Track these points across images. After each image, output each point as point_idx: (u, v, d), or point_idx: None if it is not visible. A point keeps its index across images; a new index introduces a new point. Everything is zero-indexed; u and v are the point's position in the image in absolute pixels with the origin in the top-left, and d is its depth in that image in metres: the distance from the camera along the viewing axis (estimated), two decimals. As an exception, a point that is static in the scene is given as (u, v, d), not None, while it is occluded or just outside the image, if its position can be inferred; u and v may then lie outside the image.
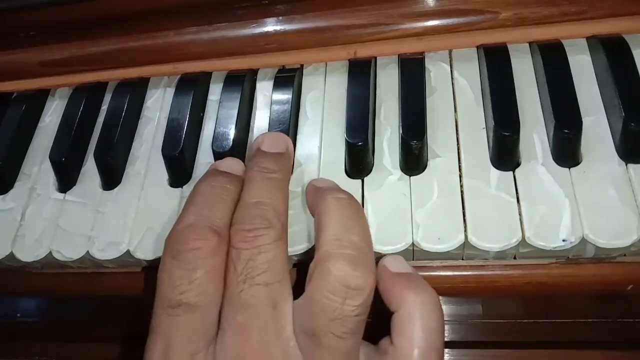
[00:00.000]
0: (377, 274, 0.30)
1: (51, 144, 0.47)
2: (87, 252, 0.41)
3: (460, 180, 0.38)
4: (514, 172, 0.37)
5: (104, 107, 0.49)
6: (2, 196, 0.46)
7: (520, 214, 0.35)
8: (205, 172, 0.36)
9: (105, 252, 0.41)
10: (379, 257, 0.37)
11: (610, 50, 0.40)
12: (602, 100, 0.39)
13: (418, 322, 0.28)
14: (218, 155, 0.42)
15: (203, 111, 0.47)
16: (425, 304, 0.28)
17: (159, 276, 0.29)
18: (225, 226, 0.30)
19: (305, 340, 0.27)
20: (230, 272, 0.28)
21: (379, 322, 0.29)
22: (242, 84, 0.46)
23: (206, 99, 0.47)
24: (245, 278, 0.27)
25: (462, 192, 0.37)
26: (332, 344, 0.26)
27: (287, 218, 0.31)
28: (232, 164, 0.36)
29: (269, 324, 0.27)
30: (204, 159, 0.44)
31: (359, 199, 0.38)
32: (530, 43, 0.43)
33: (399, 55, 0.45)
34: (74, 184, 0.45)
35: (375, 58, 0.46)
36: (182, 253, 0.28)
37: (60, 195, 0.45)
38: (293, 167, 0.41)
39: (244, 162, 0.42)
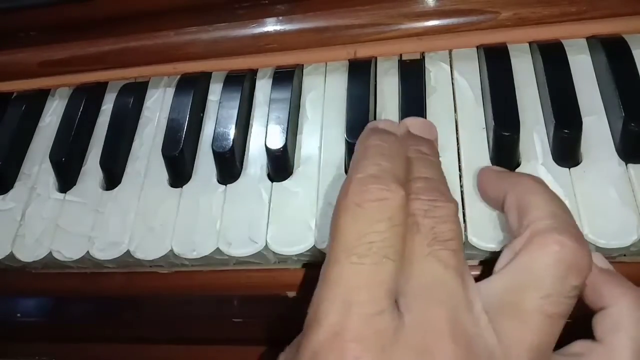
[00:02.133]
0: None
1: (51, 144, 0.47)
2: (87, 252, 0.41)
3: (460, 180, 0.38)
4: (514, 172, 0.37)
5: (104, 107, 0.49)
6: (2, 196, 0.46)
7: (520, 214, 0.35)
8: (364, 130, 0.32)
9: (105, 252, 0.41)
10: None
11: (610, 50, 0.40)
12: (602, 100, 0.39)
13: (638, 319, 0.26)
14: (218, 155, 0.42)
15: (203, 111, 0.47)
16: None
17: (336, 223, 0.26)
18: (405, 183, 0.27)
19: (503, 320, 0.24)
20: (414, 233, 0.26)
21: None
22: (242, 84, 0.46)
23: (206, 99, 0.47)
24: (433, 241, 0.25)
25: (462, 192, 0.37)
26: (540, 323, 0.24)
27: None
28: (389, 124, 0.34)
29: (458, 294, 0.25)
30: (204, 159, 0.44)
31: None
32: (530, 43, 0.43)
33: (399, 55, 0.45)
34: (74, 184, 0.45)
35: (375, 58, 0.46)
36: (368, 202, 0.26)
37: (60, 195, 0.45)
38: (293, 167, 0.41)
39: (242, 163, 0.43)
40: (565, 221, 0.26)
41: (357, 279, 0.24)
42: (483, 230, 0.35)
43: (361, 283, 0.24)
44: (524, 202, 0.28)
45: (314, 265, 0.39)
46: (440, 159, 0.39)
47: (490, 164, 0.38)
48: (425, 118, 0.40)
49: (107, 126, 0.47)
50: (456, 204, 0.28)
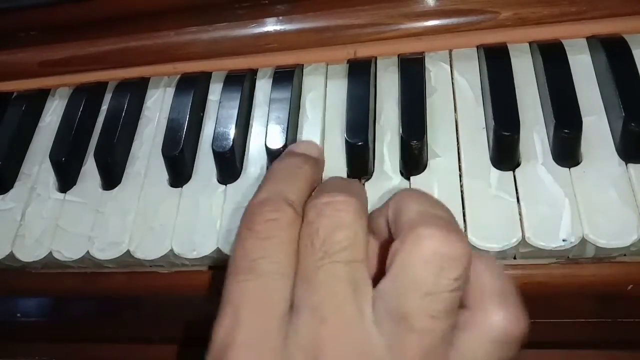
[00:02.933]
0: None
1: (51, 144, 0.47)
2: (87, 252, 0.41)
3: (460, 180, 0.38)
4: (514, 172, 0.37)
5: (104, 107, 0.49)
6: (2, 196, 0.46)
7: (520, 214, 0.35)
8: (282, 153, 0.34)
9: (105, 252, 0.41)
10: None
11: (610, 50, 0.40)
12: (602, 100, 0.39)
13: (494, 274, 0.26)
14: (218, 155, 0.42)
15: (203, 111, 0.47)
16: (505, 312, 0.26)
17: (233, 250, 0.28)
18: (300, 202, 0.28)
19: (391, 326, 0.24)
20: (306, 247, 0.26)
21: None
22: (242, 84, 0.46)
23: (206, 99, 0.47)
24: (323, 255, 0.25)
25: (462, 192, 0.37)
26: (425, 325, 0.23)
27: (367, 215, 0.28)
28: (308, 147, 0.35)
29: (348, 306, 0.24)
30: (204, 159, 0.44)
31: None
32: (530, 43, 0.43)
33: (399, 55, 0.45)
34: (74, 184, 0.45)
35: (375, 58, 0.46)
36: (257, 224, 0.27)
37: (60, 195, 0.45)
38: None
39: (242, 163, 0.43)
40: (433, 215, 0.25)
41: (242, 295, 0.26)
42: (483, 230, 0.35)
43: (247, 298, 0.26)
44: (397, 210, 0.27)
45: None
46: (440, 158, 0.39)
47: (490, 164, 0.38)
48: (425, 118, 0.40)
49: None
50: (358, 204, 0.27)
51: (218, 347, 0.25)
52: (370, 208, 0.29)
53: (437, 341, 0.24)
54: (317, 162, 0.33)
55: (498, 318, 0.25)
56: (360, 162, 0.40)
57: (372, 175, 0.40)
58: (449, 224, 0.25)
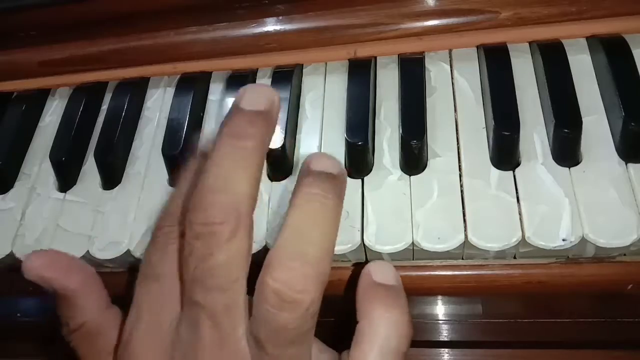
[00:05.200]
0: (359, 279, 0.29)
1: (51, 144, 0.47)
2: (87, 251, 0.41)
3: (460, 180, 0.38)
4: (514, 171, 0.37)
5: (104, 107, 0.49)
6: (2, 196, 0.46)
7: (520, 214, 0.35)
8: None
9: (105, 251, 0.41)
10: (378, 257, 0.37)
11: (610, 50, 0.40)
12: (602, 100, 0.39)
13: (377, 338, 0.27)
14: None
15: (203, 111, 0.47)
16: (390, 322, 0.28)
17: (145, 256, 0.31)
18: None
19: (253, 343, 0.26)
20: (184, 264, 0.27)
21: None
22: (242, 83, 0.45)
23: (206, 99, 0.47)
24: (196, 282, 0.26)
25: (462, 191, 0.37)
26: (274, 352, 0.26)
27: (255, 200, 0.27)
28: (254, 97, 0.30)
29: (221, 325, 0.27)
30: (204, 158, 0.44)
31: (359, 199, 0.38)
32: (530, 43, 0.43)
33: (399, 55, 0.45)
34: (74, 184, 0.45)
35: (375, 58, 0.46)
36: (156, 237, 0.30)
37: (60, 195, 0.45)
38: (292, 167, 0.41)
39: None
40: (290, 255, 0.26)
41: (141, 296, 0.30)
42: (483, 229, 0.35)
43: (144, 299, 0.29)
44: (286, 215, 0.27)
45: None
46: (440, 158, 0.39)
47: (491, 164, 0.38)
48: (425, 118, 0.40)
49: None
50: (236, 217, 0.26)
51: (123, 342, 0.29)
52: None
53: None
54: (267, 114, 0.30)
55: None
56: (360, 162, 0.40)
57: (371, 170, 0.40)
58: (298, 270, 0.25)
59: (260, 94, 0.29)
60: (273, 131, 0.29)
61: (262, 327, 0.26)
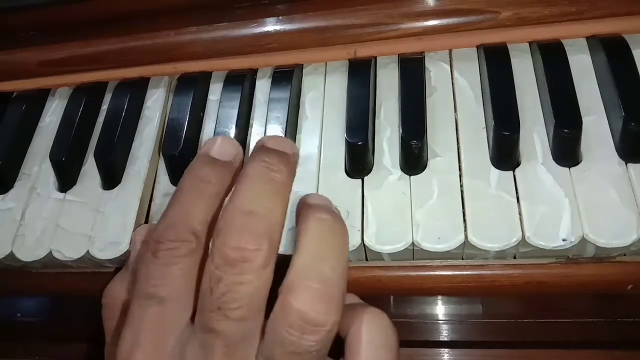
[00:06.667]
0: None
1: (51, 144, 0.47)
2: (87, 251, 0.41)
3: (460, 180, 0.38)
4: (514, 171, 0.37)
5: (104, 107, 0.49)
6: (2, 196, 0.46)
7: (520, 214, 0.35)
8: (195, 156, 0.32)
9: (105, 251, 0.41)
10: (378, 257, 0.37)
11: (610, 50, 0.40)
12: (602, 100, 0.39)
13: (364, 338, 0.28)
14: (218, 155, 0.42)
15: (203, 111, 0.47)
16: (370, 322, 0.28)
17: (137, 272, 0.29)
18: (203, 226, 0.29)
19: None
20: (207, 289, 0.26)
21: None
22: (242, 83, 0.46)
23: (206, 98, 0.47)
24: (219, 308, 0.26)
25: (462, 191, 0.37)
26: None
27: (281, 234, 0.28)
28: (224, 147, 0.33)
29: (235, 352, 0.26)
30: (204, 158, 0.43)
31: (359, 199, 0.38)
32: (530, 43, 0.43)
33: (399, 55, 0.45)
34: (74, 184, 0.45)
35: (375, 58, 0.46)
36: (159, 251, 0.28)
37: (60, 195, 0.45)
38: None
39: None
40: (310, 276, 0.26)
41: (142, 318, 0.28)
42: (483, 229, 0.35)
43: (146, 322, 0.28)
44: (296, 243, 0.27)
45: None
46: (440, 158, 0.39)
47: (490, 164, 0.38)
48: (425, 118, 0.40)
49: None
50: (266, 249, 0.26)
51: None
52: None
53: None
54: (231, 165, 0.32)
55: None
56: (360, 162, 0.40)
57: (371, 170, 0.40)
58: (321, 291, 0.25)
59: (285, 141, 0.31)
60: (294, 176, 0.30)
61: (277, 349, 0.25)
